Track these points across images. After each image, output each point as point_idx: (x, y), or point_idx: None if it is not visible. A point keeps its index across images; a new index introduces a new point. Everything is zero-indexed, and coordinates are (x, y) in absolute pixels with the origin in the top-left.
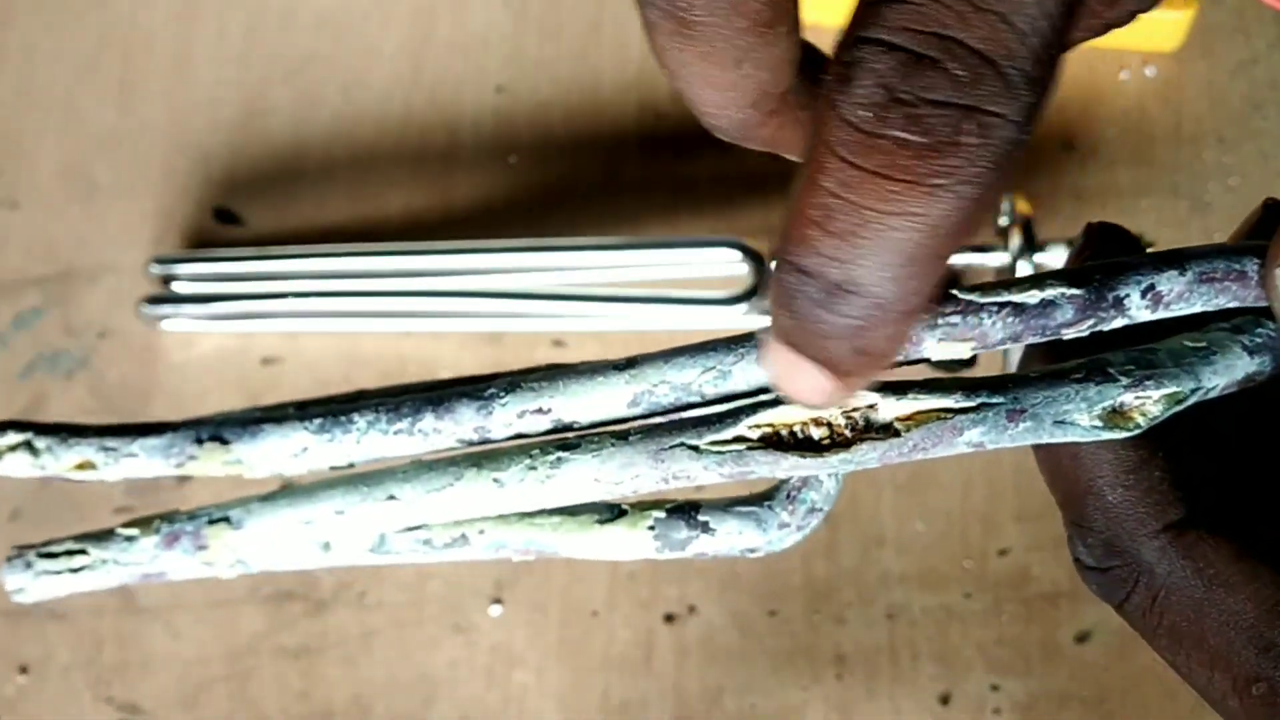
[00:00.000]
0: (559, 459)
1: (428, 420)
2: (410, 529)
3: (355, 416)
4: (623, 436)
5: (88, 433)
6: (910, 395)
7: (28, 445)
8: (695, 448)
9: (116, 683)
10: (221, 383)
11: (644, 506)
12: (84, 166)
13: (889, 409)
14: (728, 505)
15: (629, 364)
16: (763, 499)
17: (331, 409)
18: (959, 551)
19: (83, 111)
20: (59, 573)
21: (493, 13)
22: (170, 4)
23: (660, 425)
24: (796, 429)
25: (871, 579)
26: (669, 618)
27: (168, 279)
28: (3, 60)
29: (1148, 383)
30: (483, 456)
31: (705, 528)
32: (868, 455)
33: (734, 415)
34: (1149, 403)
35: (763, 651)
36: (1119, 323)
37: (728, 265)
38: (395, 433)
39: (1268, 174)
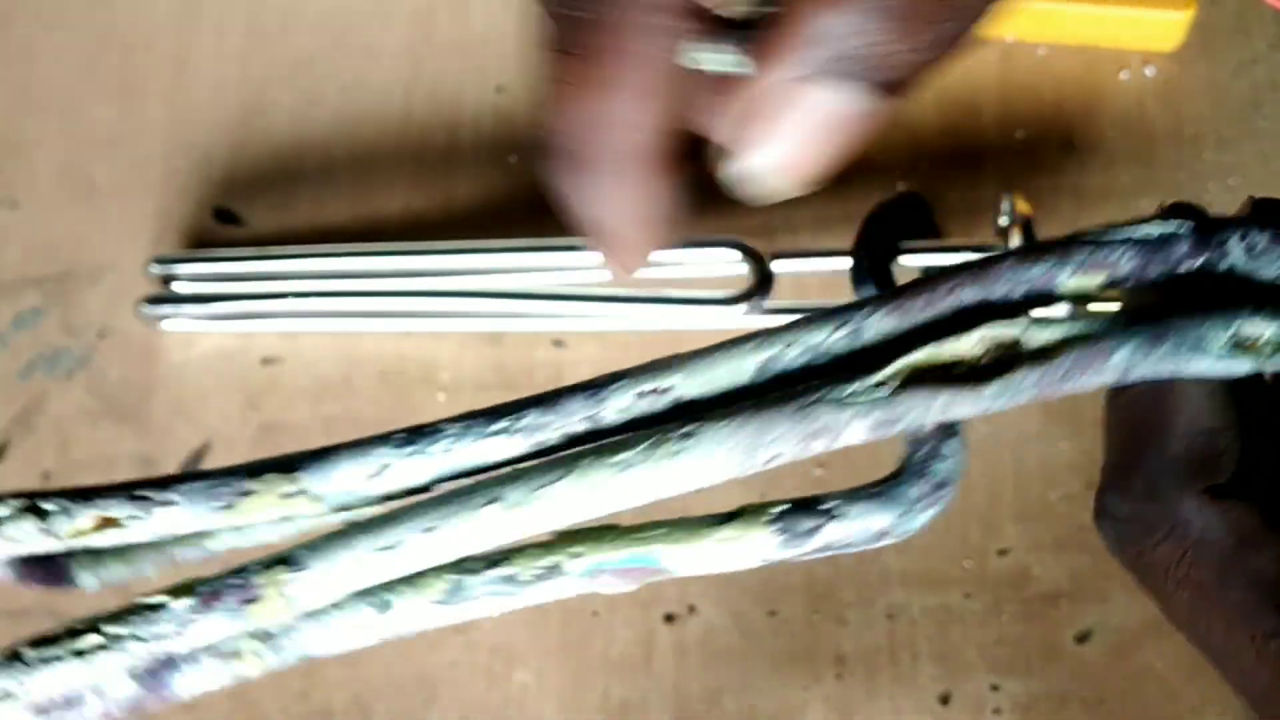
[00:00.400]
0: (688, 431)
1: (530, 417)
2: (494, 564)
3: (443, 425)
4: (755, 403)
5: (111, 489)
6: (1055, 324)
7: (31, 509)
8: (839, 400)
9: None
10: (221, 383)
11: (756, 507)
12: (84, 166)
13: (1035, 337)
14: (849, 493)
15: (752, 335)
16: (888, 480)
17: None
18: (959, 551)
19: (83, 111)
20: (59, 659)
21: (493, 13)
22: (170, 4)
23: (797, 386)
24: (942, 368)
25: (871, 579)
26: (669, 618)
27: (168, 279)
28: (3, 60)
29: (1267, 314)
30: (599, 447)
31: (831, 515)
32: (1024, 382)
33: (874, 364)
34: (1265, 336)
35: (763, 651)
36: (1224, 265)
37: (728, 265)
38: (492, 434)
39: (1268, 174)
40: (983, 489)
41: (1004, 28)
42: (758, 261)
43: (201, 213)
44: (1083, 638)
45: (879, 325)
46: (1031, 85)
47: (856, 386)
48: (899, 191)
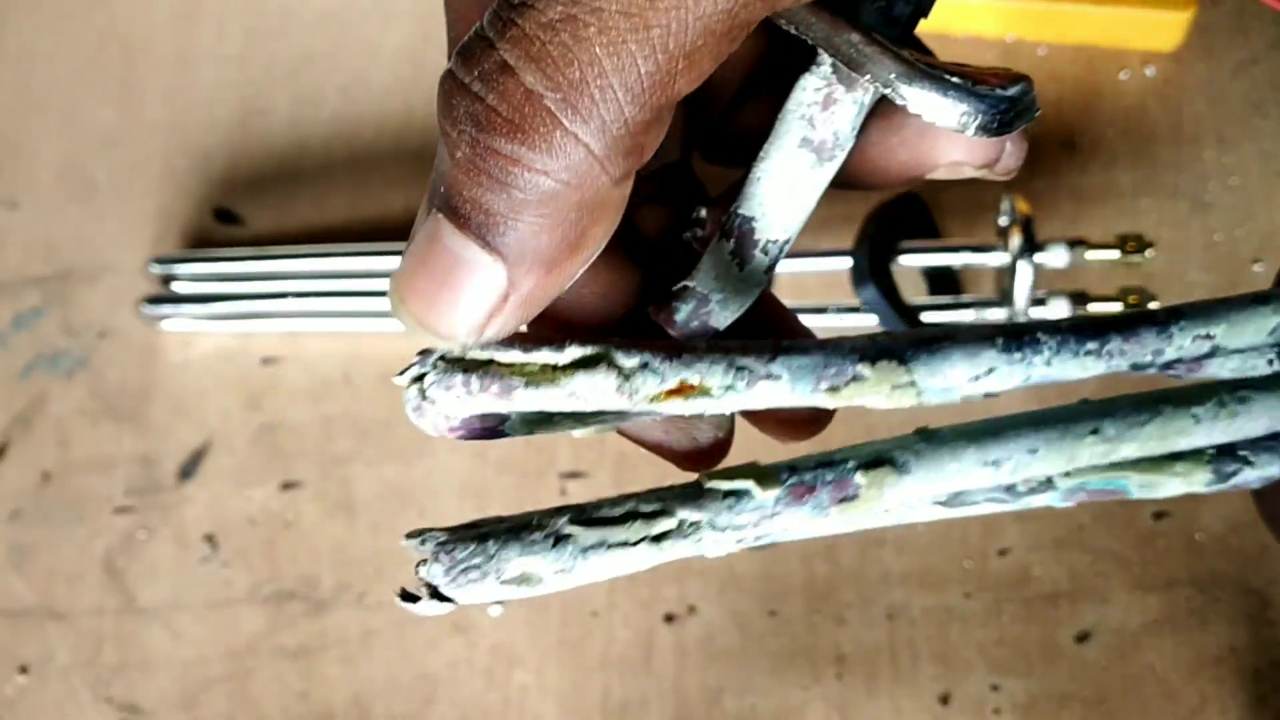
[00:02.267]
0: (1243, 395)
1: (1114, 342)
2: (1030, 481)
3: (1041, 335)
4: None
5: (705, 351)
6: None
7: (608, 362)
8: None
9: (116, 683)
10: (221, 383)
11: (1192, 452)
12: (84, 166)
13: None
14: (1254, 441)
15: (1271, 295)
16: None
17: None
18: (959, 551)
19: (83, 111)
20: (621, 546)
21: None
22: (170, 4)
23: None
24: None
25: (871, 579)
26: (669, 618)
27: (167, 279)
28: (3, 60)
29: None
30: (1169, 393)
31: (1246, 461)
32: None
33: None
34: None
35: (763, 651)
36: None
37: None
38: (1085, 353)
39: (1268, 174)
40: None
41: (1004, 27)
42: None
43: (201, 213)
44: (1083, 638)
45: None
46: None
47: None
48: (899, 192)
